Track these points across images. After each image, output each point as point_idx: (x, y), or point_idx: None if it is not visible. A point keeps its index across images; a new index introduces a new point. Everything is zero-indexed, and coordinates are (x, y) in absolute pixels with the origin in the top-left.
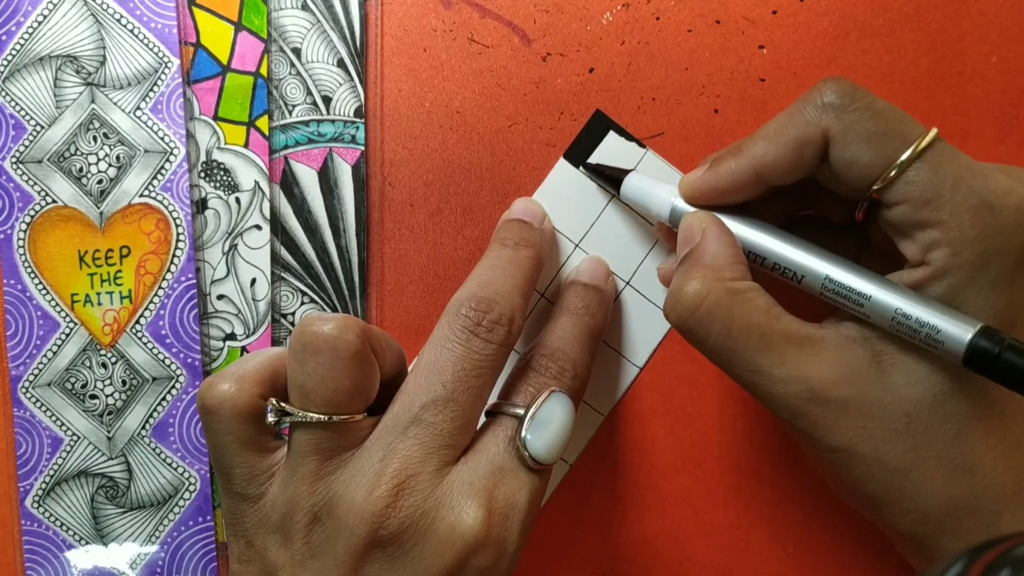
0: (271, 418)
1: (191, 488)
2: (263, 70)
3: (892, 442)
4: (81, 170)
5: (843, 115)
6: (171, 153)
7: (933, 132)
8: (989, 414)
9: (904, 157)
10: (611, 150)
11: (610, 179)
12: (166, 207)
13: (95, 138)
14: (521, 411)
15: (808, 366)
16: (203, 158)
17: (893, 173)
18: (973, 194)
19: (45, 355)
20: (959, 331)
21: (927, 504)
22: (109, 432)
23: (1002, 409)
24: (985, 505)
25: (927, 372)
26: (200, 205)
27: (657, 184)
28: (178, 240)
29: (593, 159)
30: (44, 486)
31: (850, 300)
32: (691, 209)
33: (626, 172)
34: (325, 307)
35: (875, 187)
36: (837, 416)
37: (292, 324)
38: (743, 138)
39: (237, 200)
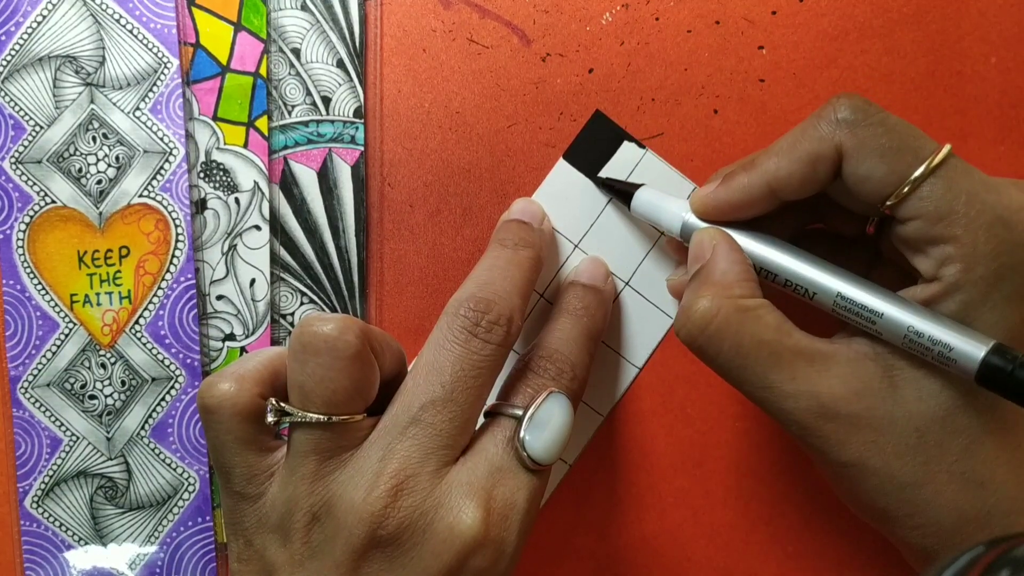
0: (271, 418)
1: (190, 488)
2: (262, 70)
3: (903, 456)
4: (80, 170)
5: (857, 130)
6: (170, 153)
7: (946, 148)
8: (1000, 429)
9: (918, 173)
10: (615, 154)
11: (621, 193)
12: (165, 207)
13: (94, 138)
14: (520, 412)
15: (819, 381)
16: (202, 158)
17: (907, 189)
18: (988, 210)
19: (44, 355)
20: (972, 349)
21: (938, 518)
22: (108, 432)
23: (1013, 424)
24: (996, 519)
25: (938, 387)
26: (199, 205)
27: (668, 199)
28: (177, 240)
29: (603, 168)
30: (43, 486)
31: (862, 317)
32: (702, 224)
33: (637, 186)
34: (324, 307)
35: (888, 202)
36: (848, 431)
37: (291, 324)
38: (754, 152)
39: (236, 200)
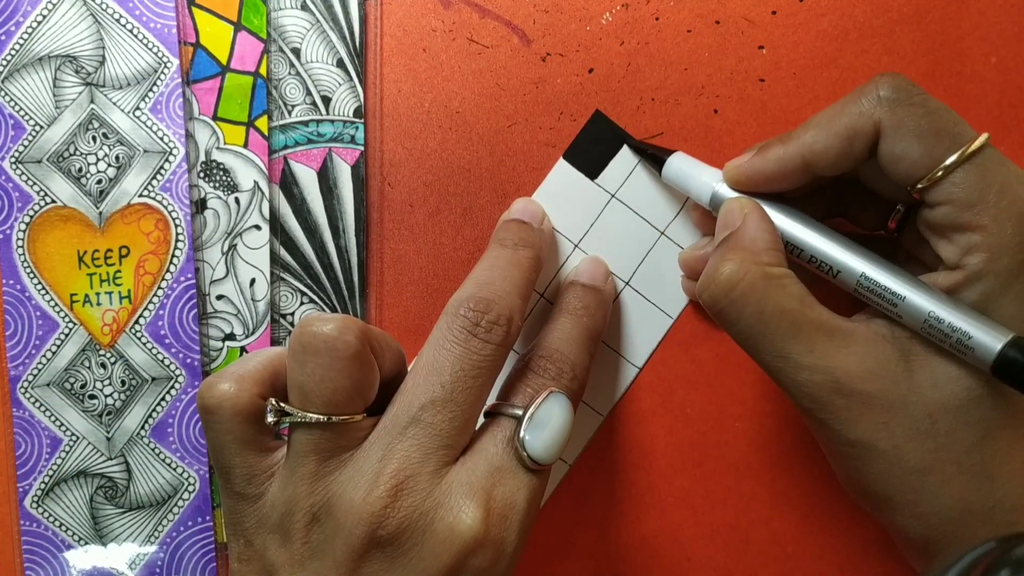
0: (270, 418)
1: (190, 488)
2: (262, 70)
3: (913, 441)
4: (80, 170)
5: (897, 109)
6: (170, 153)
7: (984, 137)
8: (1014, 424)
9: (953, 158)
10: (617, 154)
11: (653, 158)
12: (165, 207)
13: (94, 138)
14: (519, 412)
15: (836, 356)
16: (202, 158)
17: (940, 173)
18: (1019, 202)
19: (44, 355)
20: (990, 339)
21: (941, 508)
22: (108, 432)
23: None
24: (1000, 516)
25: (955, 376)
26: (199, 205)
27: (700, 167)
28: (177, 240)
29: (604, 169)
30: (43, 486)
31: (884, 299)
32: (732, 194)
33: (669, 152)
34: (324, 307)
35: (920, 185)
36: (859, 409)
37: (291, 324)
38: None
39: (236, 200)
